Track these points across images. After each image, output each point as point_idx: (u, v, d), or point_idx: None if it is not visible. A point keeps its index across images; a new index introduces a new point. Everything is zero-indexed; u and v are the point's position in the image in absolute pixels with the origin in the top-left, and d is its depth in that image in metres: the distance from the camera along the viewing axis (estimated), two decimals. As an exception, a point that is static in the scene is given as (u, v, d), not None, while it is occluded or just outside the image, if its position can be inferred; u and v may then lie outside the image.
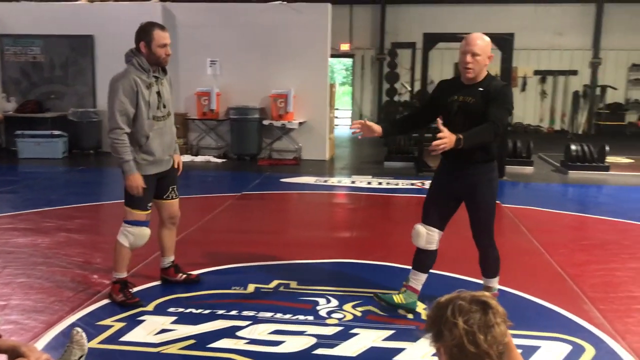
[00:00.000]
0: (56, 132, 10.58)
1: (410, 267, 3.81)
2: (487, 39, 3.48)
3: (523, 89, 17.99)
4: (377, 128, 3.62)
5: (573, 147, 10.09)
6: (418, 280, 3.76)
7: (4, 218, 6.05)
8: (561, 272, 4.64)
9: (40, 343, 3.21)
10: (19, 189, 8.01)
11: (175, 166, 4.04)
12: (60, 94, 11.39)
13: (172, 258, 4.20)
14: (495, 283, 3.81)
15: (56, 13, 11.06)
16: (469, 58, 3.40)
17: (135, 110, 3.60)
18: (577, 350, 3.24)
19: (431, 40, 9.58)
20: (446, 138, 3.17)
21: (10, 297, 3.90)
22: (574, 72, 17.77)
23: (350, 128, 3.58)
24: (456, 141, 3.19)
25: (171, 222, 4.10)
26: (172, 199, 4.03)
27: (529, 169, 10.13)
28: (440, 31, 12.16)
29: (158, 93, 3.71)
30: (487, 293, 1.64)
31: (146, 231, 3.81)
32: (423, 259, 3.74)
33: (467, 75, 3.46)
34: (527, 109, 18.09)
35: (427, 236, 3.67)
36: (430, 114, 3.77)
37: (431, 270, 3.89)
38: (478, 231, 3.67)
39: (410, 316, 3.69)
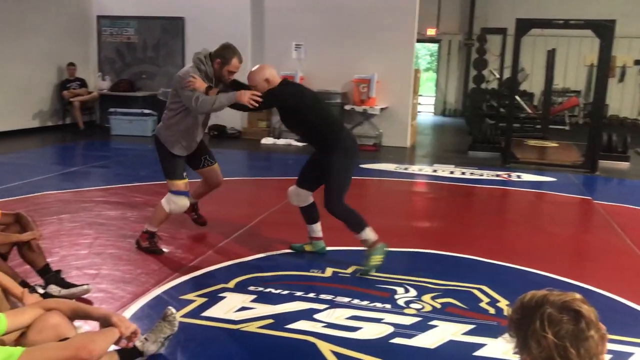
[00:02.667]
0: (146, 111, 10.99)
1: (493, 261, 3.83)
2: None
3: (621, 79, 16.96)
4: None
5: (675, 142, 9.41)
6: (314, 230, 4.47)
7: (96, 191, 6.37)
8: (658, 275, 4.35)
9: (127, 312, 3.35)
10: (111, 164, 8.42)
11: None
12: (151, 74, 11.83)
13: (196, 201, 4.87)
14: (366, 235, 4.12)
15: (151, -5, 11.44)
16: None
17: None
18: (675, 361, 3.02)
19: (524, 26, 9.16)
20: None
21: (101, 267, 4.09)
22: (678, 63, 16.56)
23: None
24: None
25: (216, 188, 4.84)
26: (210, 165, 4.67)
27: (624, 165, 9.55)
28: (533, 16, 11.62)
29: None
30: (577, 295, 1.50)
31: (185, 201, 4.35)
32: (306, 214, 4.45)
33: None
34: (624, 100, 17.06)
35: (297, 196, 4.35)
36: None
37: (507, 264, 4.09)
38: (325, 194, 4.15)
39: (491, 311, 3.57)
